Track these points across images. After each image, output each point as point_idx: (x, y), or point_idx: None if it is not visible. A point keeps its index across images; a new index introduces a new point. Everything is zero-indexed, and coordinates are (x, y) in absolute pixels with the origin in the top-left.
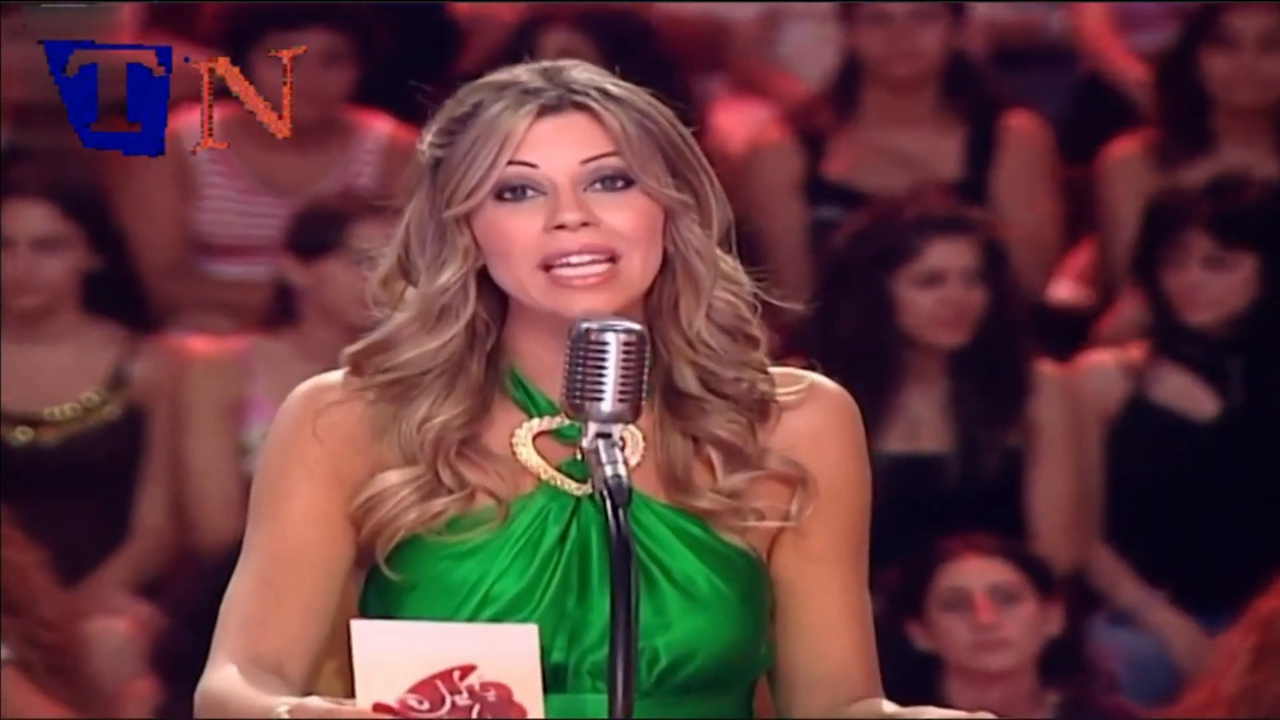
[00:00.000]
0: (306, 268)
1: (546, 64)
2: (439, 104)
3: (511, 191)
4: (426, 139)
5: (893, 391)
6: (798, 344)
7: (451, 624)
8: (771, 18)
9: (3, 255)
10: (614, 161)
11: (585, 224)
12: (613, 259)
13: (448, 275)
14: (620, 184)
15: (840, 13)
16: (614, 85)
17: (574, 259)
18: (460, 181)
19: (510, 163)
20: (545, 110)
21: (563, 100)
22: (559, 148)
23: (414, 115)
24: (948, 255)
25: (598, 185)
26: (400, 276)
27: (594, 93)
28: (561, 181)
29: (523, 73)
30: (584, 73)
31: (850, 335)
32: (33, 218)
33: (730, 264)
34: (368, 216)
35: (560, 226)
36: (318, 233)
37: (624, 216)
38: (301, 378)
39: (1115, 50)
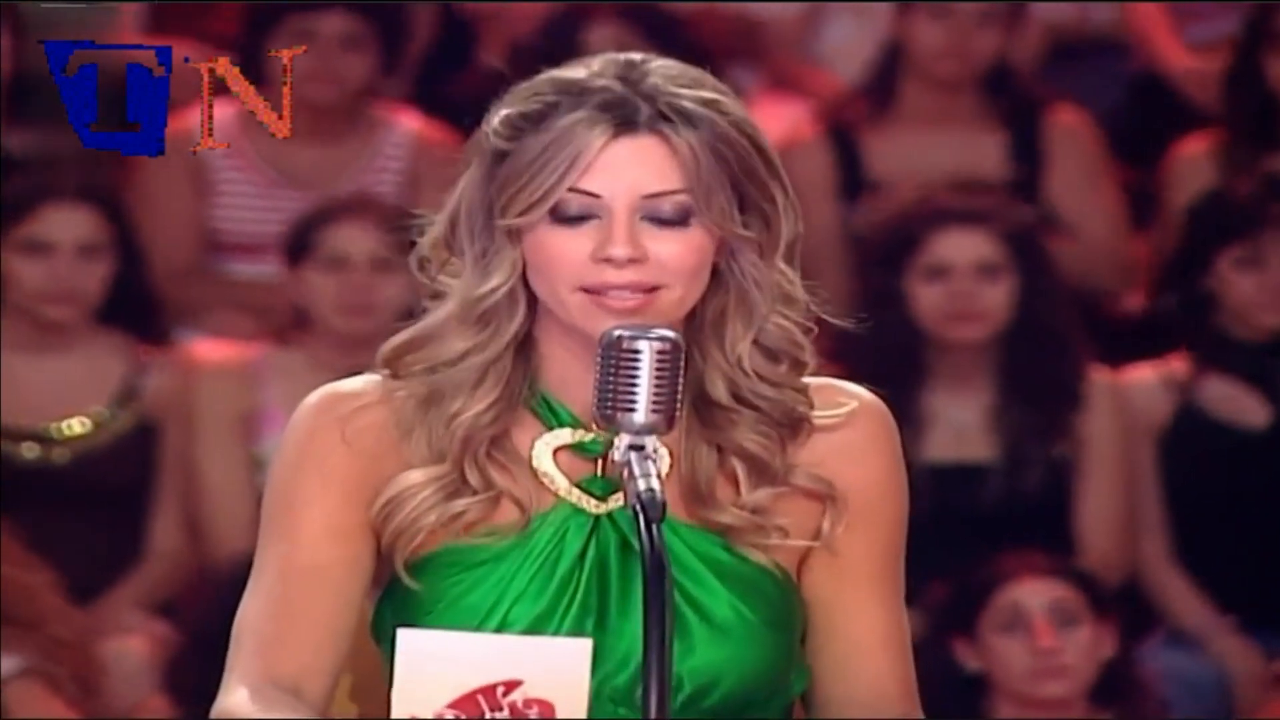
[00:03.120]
0: (293, 273)
1: (630, 59)
2: (461, 97)
3: (566, 216)
4: (493, 123)
5: (915, 391)
6: (835, 346)
7: (502, 636)
8: (811, 13)
9: (23, 262)
10: (678, 199)
11: (633, 260)
12: (652, 290)
13: (494, 283)
14: (677, 222)
15: (894, 6)
16: (695, 101)
17: (614, 292)
18: (519, 193)
19: (572, 189)
20: (621, 131)
21: (638, 120)
22: (626, 177)
23: (441, 110)
24: (956, 247)
25: (655, 221)
26: (445, 246)
27: (673, 114)
28: (619, 210)
29: (600, 73)
30: (667, 81)
31: (866, 333)
32: (77, 222)
33: (790, 279)
34: (348, 218)
35: (608, 259)
36: (298, 237)
37: (674, 250)
38: (316, 386)
39: (1170, 46)
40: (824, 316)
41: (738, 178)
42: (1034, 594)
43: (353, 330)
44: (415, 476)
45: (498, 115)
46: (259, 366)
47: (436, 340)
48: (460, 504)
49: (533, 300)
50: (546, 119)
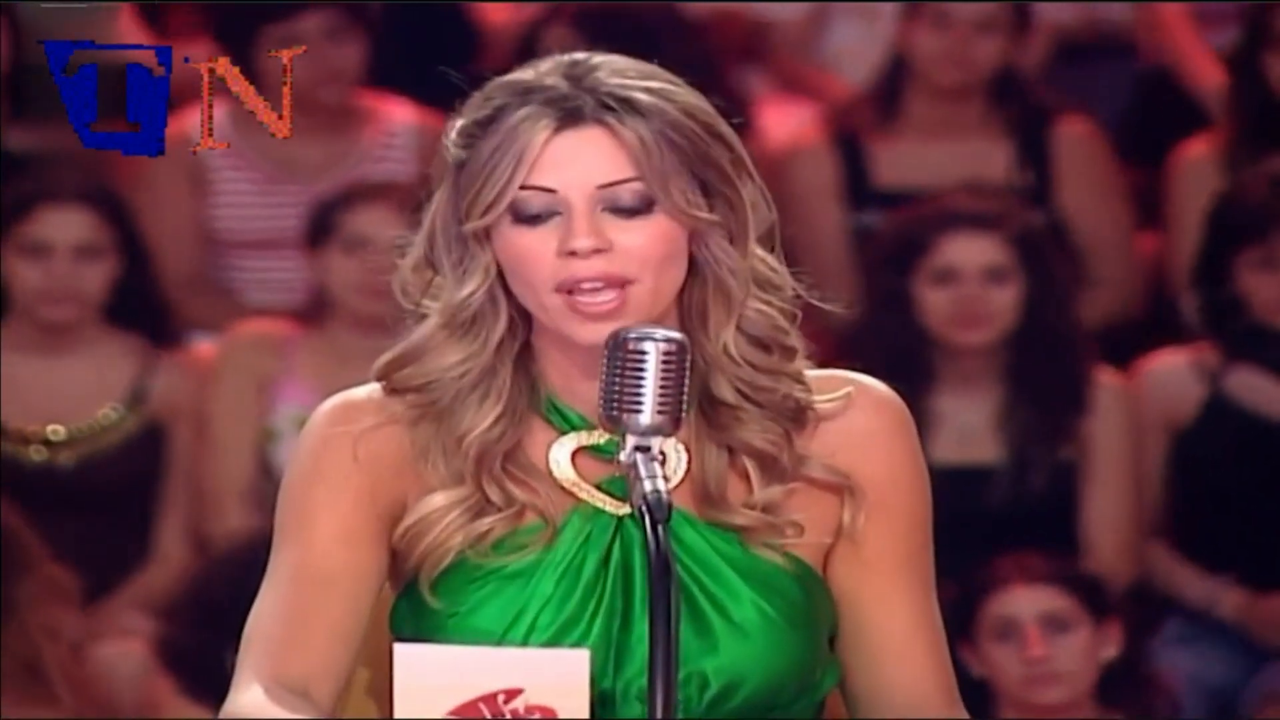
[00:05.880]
0: (314, 257)
1: (577, 58)
2: (463, 92)
3: (528, 215)
4: (450, 135)
5: (923, 396)
6: (842, 348)
7: (499, 649)
8: (817, 15)
9: (22, 263)
10: (635, 187)
11: (598, 250)
12: (624, 285)
13: (470, 288)
14: (640, 210)
15: (900, 11)
16: (643, 92)
17: (586, 285)
18: (477, 196)
19: (525, 186)
20: (564, 124)
21: (583, 113)
22: (576, 168)
23: (432, 97)
24: (964, 251)
25: (615, 212)
26: (428, 266)
27: (617, 105)
28: (577, 203)
29: (548, 73)
30: (613, 74)
31: (873, 336)
32: (74, 224)
33: (771, 266)
34: (369, 201)
35: (573, 253)
36: (319, 220)
37: (640, 239)
38: (336, 367)
39: (1191, 45)
40: (812, 302)
41: (695, 164)
42: (1025, 602)
43: (373, 312)
44: (438, 500)
45: (454, 127)
46: (288, 338)
47: (427, 354)
48: (485, 523)
49: (518, 306)
50: (495, 121)
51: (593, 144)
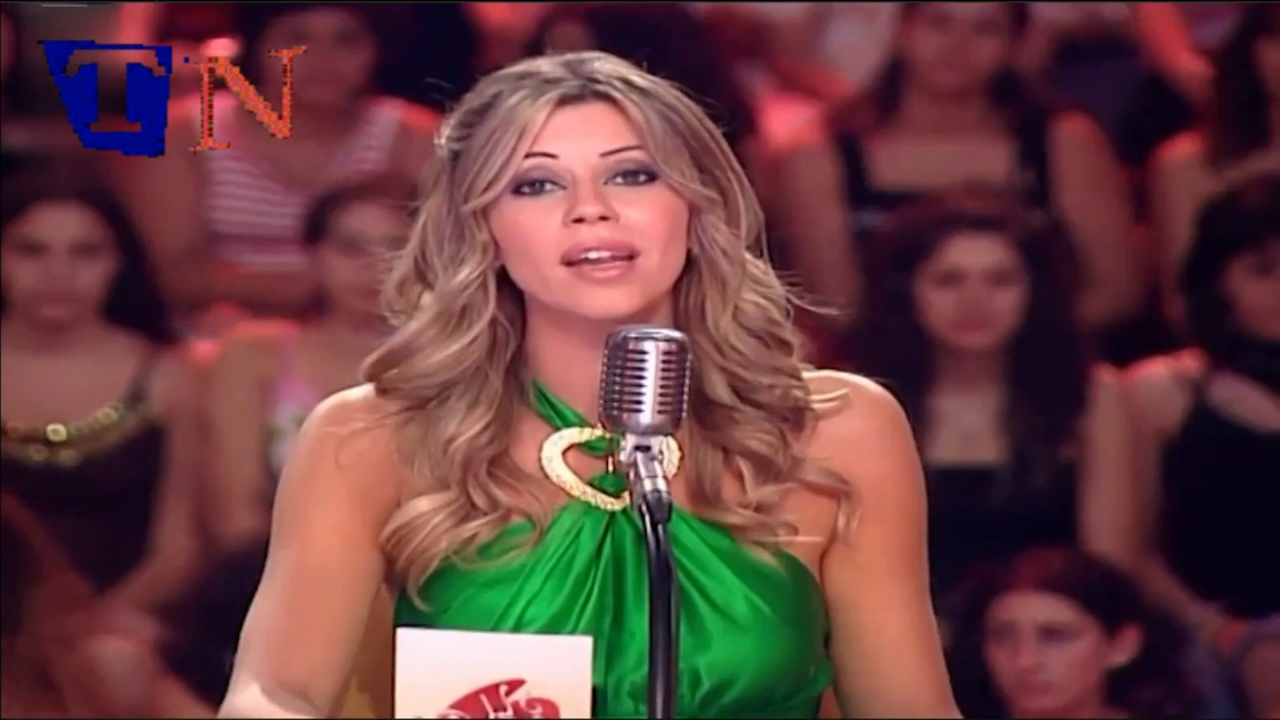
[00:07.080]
0: (311, 255)
1: (569, 55)
2: (457, 97)
3: (530, 185)
4: (444, 133)
5: (925, 396)
6: (843, 349)
7: (502, 635)
8: (817, 14)
9: (19, 262)
10: (637, 155)
11: (604, 218)
12: (631, 256)
13: (466, 273)
14: (642, 178)
15: (898, 11)
16: (639, 77)
17: (593, 254)
18: (478, 174)
19: (529, 154)
20: (566, 100)
21: (584, 90)
22: (579, 138)
23: (429, 100)
24: (969, 253)
25: (619, 179)
26: (417, 280)
27: (618, 83)
28: (581, 174)
29: (544, 63)
30: (607, 64)
31: (875, 337)
32: (70, 223)
33: (760, 268)
34: (363, 198)
35: (579, 220)
36: (315, 218)
37: (645, 211)
38: (336, 365)
39: (1176, 46)
40: (802, 306)
41: (691, 145)
42: (1027, 608)
43: (371, 310)
44: (423, 505)
45: (447, 124)
46: (284, 340)
47: (415, 352)
48: (470, 528)
49: (507, 299)
50: (491, 107)
51: (596, 117)
